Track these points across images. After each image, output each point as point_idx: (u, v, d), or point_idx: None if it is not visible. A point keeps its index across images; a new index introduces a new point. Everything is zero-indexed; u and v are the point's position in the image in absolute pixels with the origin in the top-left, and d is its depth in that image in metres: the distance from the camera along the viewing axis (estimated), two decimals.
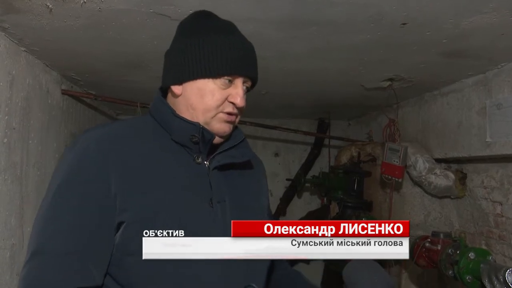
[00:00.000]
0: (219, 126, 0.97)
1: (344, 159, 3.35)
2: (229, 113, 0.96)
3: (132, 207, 0.88)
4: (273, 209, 3.92)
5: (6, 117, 1.74)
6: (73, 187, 0.88)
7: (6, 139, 1.74)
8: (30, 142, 1.97)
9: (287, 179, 3.92)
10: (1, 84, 1.70)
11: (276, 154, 4.15)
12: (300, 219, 3.72)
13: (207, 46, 0.94)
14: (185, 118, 0.96)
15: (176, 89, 0.97)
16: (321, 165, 3.97)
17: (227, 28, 0.99)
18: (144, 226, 0.87)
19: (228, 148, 1.00)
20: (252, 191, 1.07)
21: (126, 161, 0.90)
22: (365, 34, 1.63)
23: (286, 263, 1.21)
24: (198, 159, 0.97)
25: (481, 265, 1.66)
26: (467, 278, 1.73)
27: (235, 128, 1.03)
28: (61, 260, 0.84)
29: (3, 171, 1.72)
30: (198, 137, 0.95)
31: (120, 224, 0.88)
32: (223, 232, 0.93)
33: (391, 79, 2.32)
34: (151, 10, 1.44)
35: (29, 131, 1.96)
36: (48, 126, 2.19)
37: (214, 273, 0.91)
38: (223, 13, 1.45)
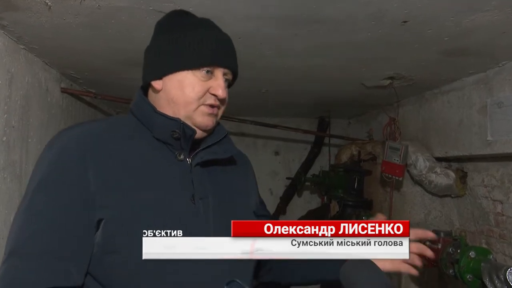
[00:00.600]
0: (201, 120, 0.96)
1: (345, 157, 3.35)
2: (211, 105, 0.96)
3: (111, 205, 0.86)
4: (273, 208, 3.92)
5: (5, 115, 1.73)
6: (51, 186, 0.86)
7: (5, 138, 1.73)
8: (30, 140, 1.97)
9: (287, 178, 3.91)
10: (0, 82, 1.69)
11: (276, 153, 4.14)
12: (300, 218, 3.72)
13: (185, 39, 0.94)
14: (166, 114, 0.95)
15: (156, 84, 0.97)
16: (321, 164, 3.97)
17: (205, 23, 1.00)
18: (123, 224, 0.86)
19: (211, 144, 0.99)
20: (237, 187, 1.06)
21: (106, 159, 0.89)
22: (366, 32, 1.62)
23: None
24: (180, 156, 0.96)
25: (482, 264, 1.65)
26: (468, 277, 1.72)
27: (217, 124, 1.02)
28: (38, 260, 0.82)
29: (2, 170, 1.72)
30: (179, 132, 0.94)
31: (99, 222, 0.86)
32: (206, 229, 0.92)
33: (391, 78, 2.32)
34: (151, 8, 1.43)
35: (29, 130, 1.96)
36: (48, 124, 2.18)
37: (196, 271, 0.89)
38: (223, 11, 1.45)
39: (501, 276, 1.52)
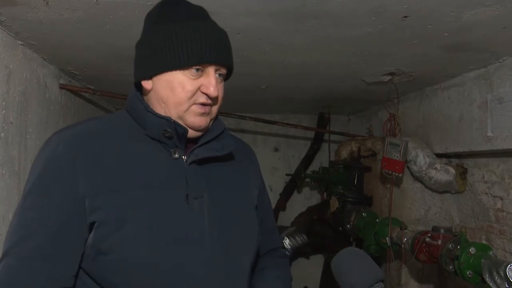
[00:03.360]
0: (194, 120, 0.93)
1: (344, 154, 3.34)
2: (202, 104, 0.92)
3: (103, 207, 0.86)
4: (273, 204, 3.91)
5: (3, 112, 1.72)
6: (42, 190, 0.87)
7: (3, 134, 1.72)
8: (28, 137, 1.96)
9: (287, 174, 3.91)
10: None
11: (276, 149, 4.14)
12: (300, 214, 3.72)
13: (172, 35, 0.89)
14: (157, 113, 0.93)
15: (146, 84, 0.94)
16: (321, 160, 3.96)
17: (195, 15, 0.94)
18: (115, 225, 0.86)
19: (208, 140, 0.97)
20: (237, 184, 1.03)
21: (97, 159, 0.88)
22: (366, 27, 1.61)
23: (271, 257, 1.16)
24: (175, 154, 0.94)
25: (482, 260, 1.65)
26: (468, 273, 1.72)
27: (215, 118, 0.99)
28: (28, 262, 0.84)
29: (0, 166, 1.71)
30: (171, 131, 0.92)
31: (92, 224, 0.87)
32: (200, 228, 0.91)
33: (392, 73, 2.31)
34: (149, 3, 1.42)
35: (27, 126, 1.95)
36: (46, 120, 2.17)
37: (191, 270, 0.89)
38: (222, 6, 1.44)
39: (501, 272, 1.52)
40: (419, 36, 1.69)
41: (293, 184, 3.95)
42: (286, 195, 4.02)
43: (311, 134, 4.02)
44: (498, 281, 1.53)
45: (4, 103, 1.72)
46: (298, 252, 3.19)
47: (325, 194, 3.63)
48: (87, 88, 2.66)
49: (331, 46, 1.86)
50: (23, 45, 1.87)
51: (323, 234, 3.38)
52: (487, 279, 1.58)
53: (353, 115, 4.03)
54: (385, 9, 1.44)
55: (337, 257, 0.92)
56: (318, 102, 3.40)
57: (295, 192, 4.07)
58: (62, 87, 2.36)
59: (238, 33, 1.68)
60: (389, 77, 2.35)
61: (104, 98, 3.04)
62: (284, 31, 1.67)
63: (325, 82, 2.60)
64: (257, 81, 2.56)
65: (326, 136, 3.96)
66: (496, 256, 1.73)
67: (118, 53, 1.99)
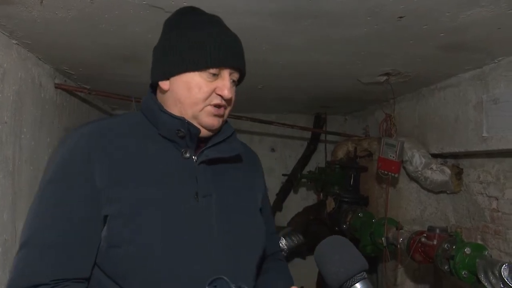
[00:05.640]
0: (208, 120, 0.98)
1: (341, 154, 3.35)
2: (217, 105, 0.97)
3: (116, 201, 0.90)
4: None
5: None
6: (60, 182, 0.91)
7: None
8: (23, 137, 1.95)
9: (283, 175, 3.91)
10: None
11: (273, 149, 4.14)
12: (297, 214, 3.72)
13: (191, 39, 0.96)
14: (171, 113, 0.98)
15: (163, 84, 0.99)
16: (317, 160, 3.97)
17: (212, 22, 1.01)
18: (126, 219, 0.89)
19: (217, 142, 1.01)
20: (243, 185, 1.07)
21: (113, 156, 0.92)
22: (362, 27, 1.61)
23: (276, 259, 1.19)
24: (186, 153, 0.98)
25: (477, 260, 1.66)
26: (463, 273, 1.73)
27: (225, 122, 1.04)
28: (47, 252, 0.87)
29: None
30: (184, 131, 0.96)
31: (106, 217, 0.90)
32: (208, 225, 0.95)
33: (388, 74, 2.31)
34: (145, 2, 1.41)
35: (22, 126, 1.94)
36: (41, 120, 2.16)
37: (198, 266, 0.91)
38: (219, 6, 1.43)
39: (496, 272, 1.53)
40: (415, 36, 1.69)
41: (290, 184, 3.96)
42: (282, 195, 4.02)
43: (308, 134, 4.02)
44: (493, 281, 1.54)
45: None
46: (295, 252, 3.19)
47: (321, 194, 3.63)
48: (83, 88, 2.64)
49: (327, 46, 1.86)
50: (18, 44, 1.85)
51: (320, 234, 3.38)
52: (482, 279, 1.59)
53: (350, 115, 4.04)
54: (381, 9, 1.44)
55: (321, 245, 0.89)
56: (314, 102, 3.40)
57: (292, 192, 4.07)
58: (57, 86, 2.35)
59: (236, 33, 1.67)
60: (385, 78, 2.36)
61: (100, 97, 3.02)
62: (280, 30, 1.67)
63: (321, 82, 2.60)
64: (254, 81, 2.56)
65: (322, 136, 3.97)
66: (491, 256, 1.74)
67: (114, 52, 1.98)
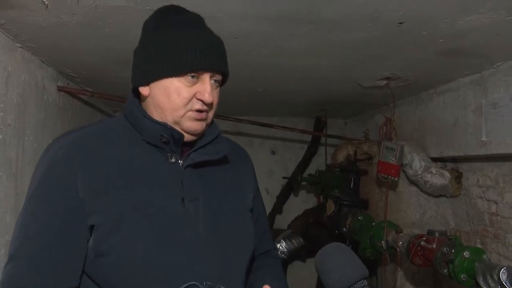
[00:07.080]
0: (190, 125, 0.95)
1: (341, 157, 3.36)
2: (198, 111, 0.94)
3: (100, 210, 0.89)
4: (270, 207, 3.92)
5: (2, 114, 1.72)
6: (43, 195, 0.90)
7: (1, 136, 1.73)
8: (26, 139, 1.96)
9: (283, 177, 3.92)
10: None
11: (273, 152, 4.15)
12: (297, 217, 3.73)
13: (168, 43, 0.92)
14: (154, 119, 0.95)
15: (143, 90, 0.96)
16: (317, 164, 3.98)
17: (191, 23, 0.96)
18: (112, 227, 0.88)
19: (203, 145, 0.99)
20: (232, 186, 1.05)
21: (96, 164, 0.91)
22: (362, 33, 1.63)
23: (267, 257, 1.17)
24: (171, 158, 0.96)
25: (476, 264, 1.67)
26: (462, 276, 1.74)
27: (211, 123, 1.01)
28: (33, 265, 0.87)
29: None
30: (167, 137, 0.94)
31: (92, 227, 0.89)
32: (195, 231, 0.93)
33: (387, 78, 2.33)
34: (148, 7, 1.43)
35: (25, 128, 1.95)
36: (44, 123, 2.18)
37: (187, 272, 0.90)
38: (218, 11, 1.45)
39: (495, 276, 1.53)
40: (414, 42, 1.71)
41: (290, 187, 3.96)
42: (282, 198, 4.03)
43: (308, 138, 4.04)
44: (492, 284, 1.55)
45: (2, 105, 1.73)
46: (295, 255, 3.19)
47: (321, 197, 3.64)
48: (85, 91, 2.66)
49: (328, 51, 1.88)
50: (22, 47, 1.87)
51: (320, 237, 3.38)
52: (481, 283, 1.60)
53: (350, 119, 4.05)
54: (380, 15, 1.46)
55: (321, 252, 0.89)
56: (314, 105, 3.42)
57: (292, 195, 4.08)
58: (60, 89, 2.37)
59: (236, 38, 1.69)
60: (385, 82, 2.37)
61: (102, 100, 3.04)
62: (281, 35, 1.69)
63: (321, 86, 2.61)
64: (254, 85, 2.58)
65: (322, 140, 3.98)
66: (490, 260, 1.74)
67: (116, 56, 2.00)
